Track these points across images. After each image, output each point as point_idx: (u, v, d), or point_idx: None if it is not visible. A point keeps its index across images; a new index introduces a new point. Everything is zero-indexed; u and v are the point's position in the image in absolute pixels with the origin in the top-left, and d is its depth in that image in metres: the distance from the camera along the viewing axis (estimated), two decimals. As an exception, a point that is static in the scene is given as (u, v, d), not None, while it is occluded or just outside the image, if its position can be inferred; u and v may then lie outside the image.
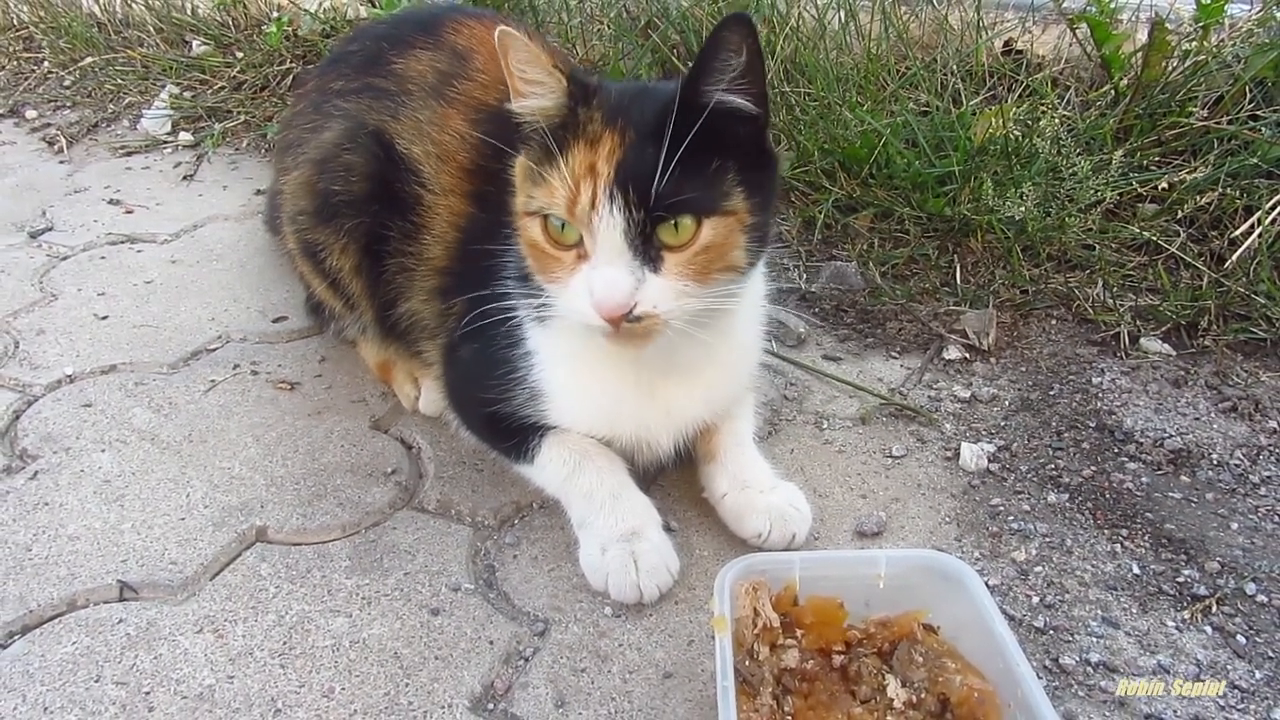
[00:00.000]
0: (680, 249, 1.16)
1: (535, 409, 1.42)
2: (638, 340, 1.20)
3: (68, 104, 3.31)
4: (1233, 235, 1.88)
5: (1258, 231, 1.83)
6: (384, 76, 1.59)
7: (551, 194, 1.17)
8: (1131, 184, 2.04)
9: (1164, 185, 2.02)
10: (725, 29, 1.11)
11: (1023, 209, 1.92)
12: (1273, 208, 1.84)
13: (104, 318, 1.98)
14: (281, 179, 1.74)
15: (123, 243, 2.32)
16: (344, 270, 1.63)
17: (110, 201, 2.55)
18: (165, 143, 2.95)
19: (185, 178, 2.72)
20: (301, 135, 1.67)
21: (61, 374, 1.78)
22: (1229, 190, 1.98)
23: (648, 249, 1.15)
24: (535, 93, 1.20)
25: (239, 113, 3.05)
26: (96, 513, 1.45)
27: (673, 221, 1.15)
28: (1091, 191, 1.97)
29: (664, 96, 1.19)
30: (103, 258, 2.25)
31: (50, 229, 2.39)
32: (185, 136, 2.97)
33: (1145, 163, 2.14)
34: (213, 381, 1.77)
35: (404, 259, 1.55)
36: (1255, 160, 2.04)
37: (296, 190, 1.66)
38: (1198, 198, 2.02)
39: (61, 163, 2.85)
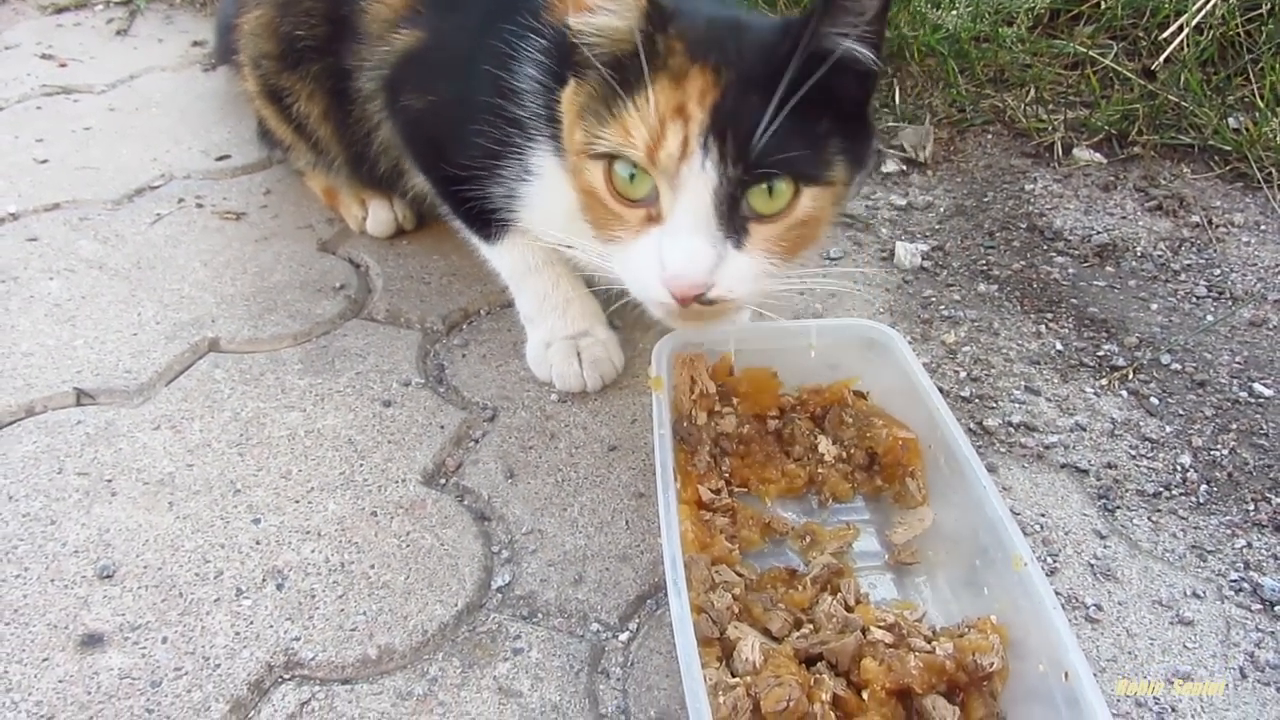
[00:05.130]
0: (771, 220, 1.00)
1: (509, 212, 1.29)
2: (701, 323, 1.08)
3: (-8, -33, 3.21)
4: (1160, 39, 1.92)
5: (1183, 35, 1.87)
6: None
7: (626, 135, 0.98)
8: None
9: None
10: None
11: (954, 16, 1.94)
12: (1197, 11, 1.87)
13: (44, 161, 1.97)
14: (240, 14, 1.66)
15: (58, 94, 2.28)
16: (312, 116, 1.58)
17: (43, 56, 2.49)
18: (96, 1, 2.88)
19: (119, 33, 2.66)
20: None
21: (4, 212, 1.78)
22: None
23: (734, 217, 0.98)
24: (606, 8, 0.99)
25: (171, -31, 2.97)
26: (49, 332, 1.47)
27: (769, 185, 0.98)
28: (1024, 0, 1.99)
29: (768, 34, 1.02)
30: (39, 108, 2.21)
31: (-18, 84, 2.34)
32: (117, -7, 2.89)
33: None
34: (158, 215, 1.78)
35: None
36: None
37: (258, 30, 1.59)
38: (1128, 9, 2.05)
39: (-10, 23, 2.78)
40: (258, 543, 1.13)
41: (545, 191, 1.20)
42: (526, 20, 1.17)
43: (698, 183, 0.96)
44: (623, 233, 1.03)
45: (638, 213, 1.01)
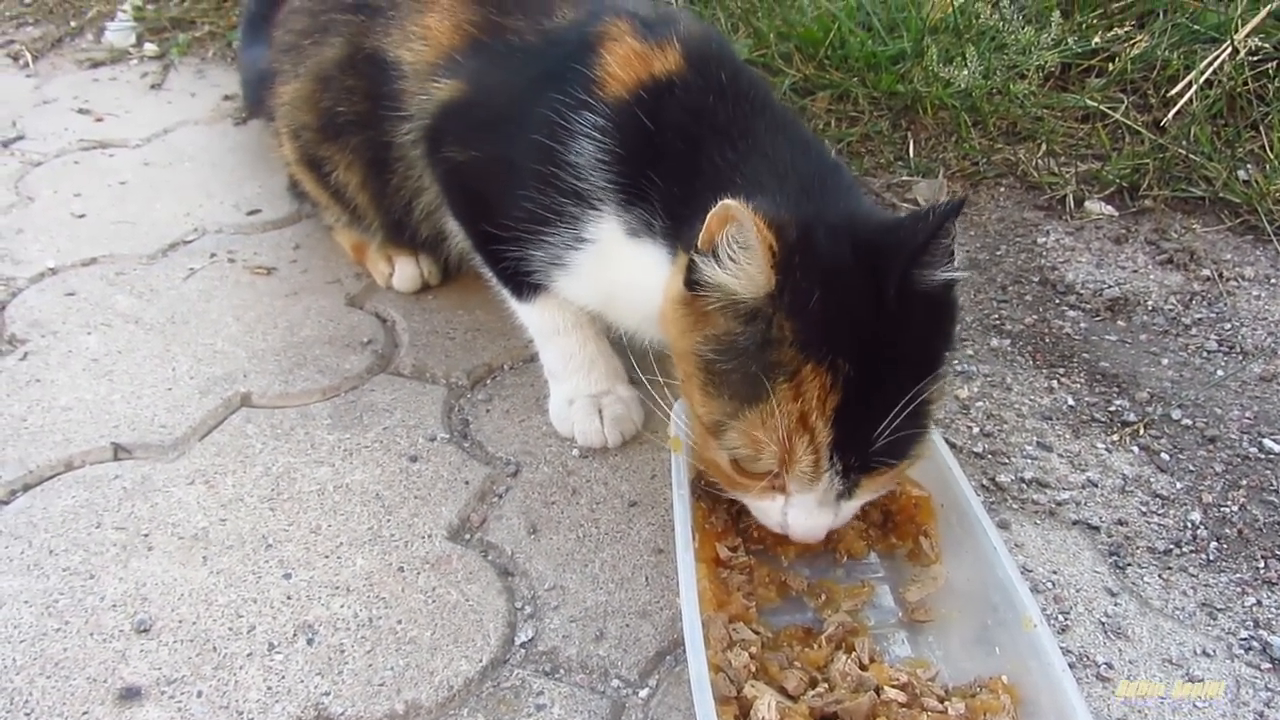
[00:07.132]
0: (880, 473, 1.05)
1: (546, 276, 1.32)
2: None
3: (30, 20, 3.30)
4: (1169, 94, 1.95)
5: (1193, 90, 1.90)
6: None
7: (756, 446, 1.01)
8: (1073, 47, 2.10)
9: (1106, 52, 2.09)
10: (949, 220, 0.95)
11: (966, 74, 1.98)
12: (1206, 67, 1.91)
13: (81, 216, 2.03)
14: (279, 80, 1.70)
15: (95, 148, 2.35)
16: (350, 185, 1.62)
17: (80, 111, 2.57)
18: (131, 55, 2.96)
19: (153, 87, 2.74)
20: (299, 42, 1.63)
21: (44, 267, 1.84)
22: (1169, 54, 2.05)
23: (850, 486, 1.04)
24: (730, 267, 0.99)
25: (203, 23, 3.05)
26: (87, 386, 1.52)
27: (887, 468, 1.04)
28: (1035, 57, 2.03)
29: (862, 288, 0.98)
30: (76, 162, 2.28)
31: (22, 138, 2.41)
32: (150, 47, 2.97)
33: (1089, 35, 2.20)
34: (191, 269, 1.83)
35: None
36: (1196, 27, 2.11)
37: (297, 102, 1.63)
38: (1138, 64, 2.09)
39: (28, 76, 2.86)
40: (289, 598, 1.17)
41: (597, 259, 1.23)
42: (578, 94, 1.21)
43: (825, 487, 1.02)
44: (745, 493, 1.10)
45: (760, 481, 1.05)
